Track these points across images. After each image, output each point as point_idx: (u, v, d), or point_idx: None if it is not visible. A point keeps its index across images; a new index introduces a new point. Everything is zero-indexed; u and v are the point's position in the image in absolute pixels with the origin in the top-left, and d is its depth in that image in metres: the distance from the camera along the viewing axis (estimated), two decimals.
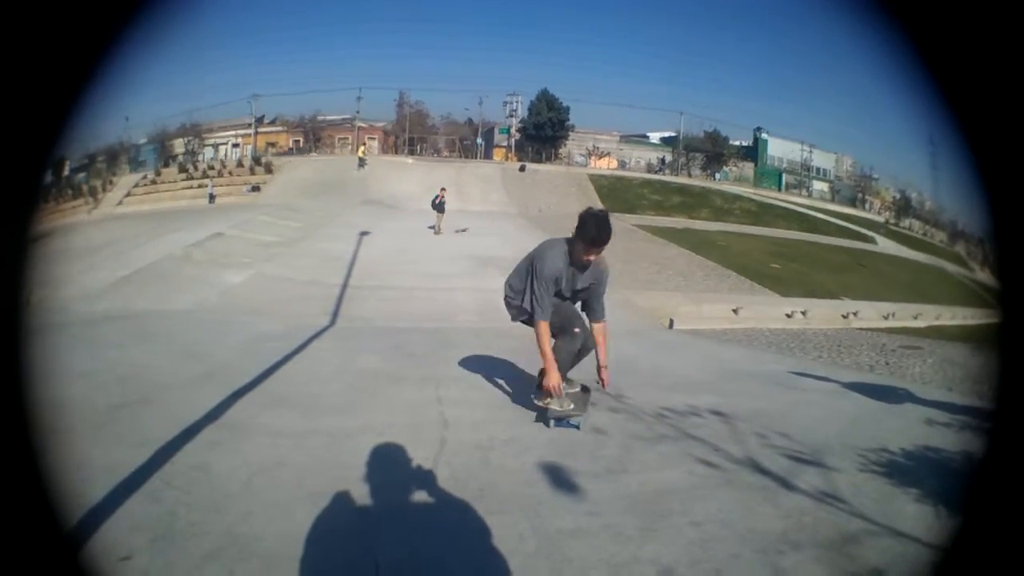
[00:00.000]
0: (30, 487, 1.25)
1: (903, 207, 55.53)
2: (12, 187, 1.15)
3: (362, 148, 51.48)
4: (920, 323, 15.71)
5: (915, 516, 3.51)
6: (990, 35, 1.00)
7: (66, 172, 38.82)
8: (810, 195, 60.56)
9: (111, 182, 44.05)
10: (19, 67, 1.11)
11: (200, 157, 52.43)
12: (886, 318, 15.62)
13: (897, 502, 3.76)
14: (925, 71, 1.06)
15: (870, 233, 42.93)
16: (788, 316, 14.02)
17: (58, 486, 1.34)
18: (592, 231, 4.49)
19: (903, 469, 4.30)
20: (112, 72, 1.24)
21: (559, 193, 41.95)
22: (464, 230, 24.36)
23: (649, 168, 59.94)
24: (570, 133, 62.97)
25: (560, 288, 4.80)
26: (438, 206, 24.50)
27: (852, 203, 59.59)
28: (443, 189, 25.57)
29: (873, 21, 1.09)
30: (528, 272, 4.88)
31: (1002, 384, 1.06)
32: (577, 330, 4.96)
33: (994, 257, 1.03)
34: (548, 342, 4.75)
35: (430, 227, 24.36)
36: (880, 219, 52.51)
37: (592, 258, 4.66)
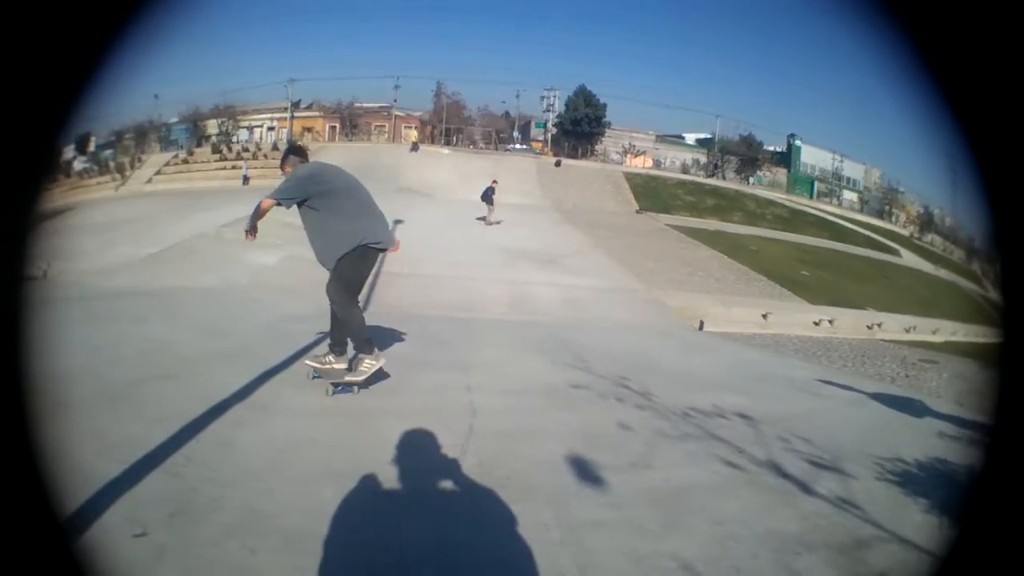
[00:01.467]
0: (28, 463, 1.17)
1: (927, 222, 54.63)
2: (24, 159, 1.10)
3: (414, 134, 55.67)
4: (937, 338, 15.58)
5: (921, 525, 3.57)
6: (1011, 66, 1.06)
7: (91, 148, 39.21)
8: (840, 204, 59.86)
9: (140, 160, 44.34)
10: (32, 35, 1.05)
11: (234, 139, 52.68)
12: (908, 331, 15.48)
13: (907, 511, 3.81)
14: (943, 94, 1.12)
15: (895, 246, 42.47)
16: (816, 324, 13.91)
17: (59, 462, 1.25)
18: None
19: (915, 479, 4.36)
20: (134, 46, 1.17)
21: (594, 189, 41.80)
22: (498, 222, 24.25)
23: (684, 169, 59.49)
24: (606, 130, 62.56)
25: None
26: (488, 198, 24.39)
27: (880, 215, 58.75)
28: (495, 181, 25.40)
29: (896, 43, 1.14)
30: None
31: (1001, 400, 1.14)
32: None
33: (999, 276, 1.10)
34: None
35: (479, 218, 24.41)
36: (905, 232, 51.85)
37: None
